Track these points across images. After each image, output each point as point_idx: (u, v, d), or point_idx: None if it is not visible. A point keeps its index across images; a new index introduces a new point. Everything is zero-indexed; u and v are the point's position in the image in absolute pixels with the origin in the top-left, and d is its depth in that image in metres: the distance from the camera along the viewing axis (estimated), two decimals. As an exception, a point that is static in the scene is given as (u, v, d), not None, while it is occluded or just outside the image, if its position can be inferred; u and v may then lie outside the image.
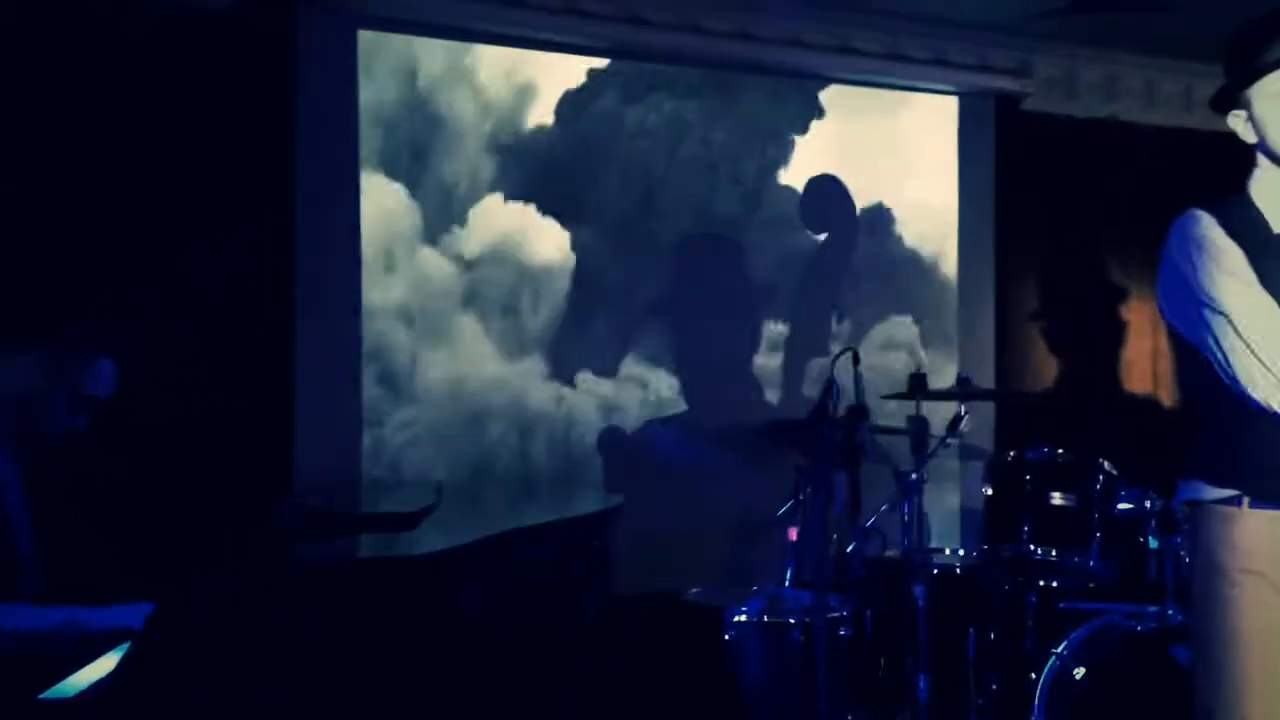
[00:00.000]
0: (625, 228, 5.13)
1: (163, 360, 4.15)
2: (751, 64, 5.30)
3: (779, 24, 5.23)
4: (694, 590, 4.05)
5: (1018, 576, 4.13)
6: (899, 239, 5.63)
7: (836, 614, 3.76)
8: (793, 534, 3.80)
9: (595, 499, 3.74)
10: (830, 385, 3.28)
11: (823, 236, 5.48)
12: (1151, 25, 5.40)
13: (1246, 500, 2.45)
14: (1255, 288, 2.39)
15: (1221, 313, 2.39)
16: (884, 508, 4.26)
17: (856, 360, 4.15)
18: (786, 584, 3.97)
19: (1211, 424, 2.53)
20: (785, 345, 5.38)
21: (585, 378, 5.04)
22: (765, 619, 3.77)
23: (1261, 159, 2.50)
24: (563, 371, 5.00)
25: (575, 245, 5.03)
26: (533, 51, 4.95)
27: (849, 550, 4.08)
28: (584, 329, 5.04)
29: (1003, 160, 5.74)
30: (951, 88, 5.67)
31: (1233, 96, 2.48)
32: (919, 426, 3.92)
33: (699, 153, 5.27)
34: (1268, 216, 2.46)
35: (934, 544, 4.88)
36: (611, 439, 5.01)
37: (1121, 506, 4.02)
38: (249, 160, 4.42)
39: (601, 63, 5.11)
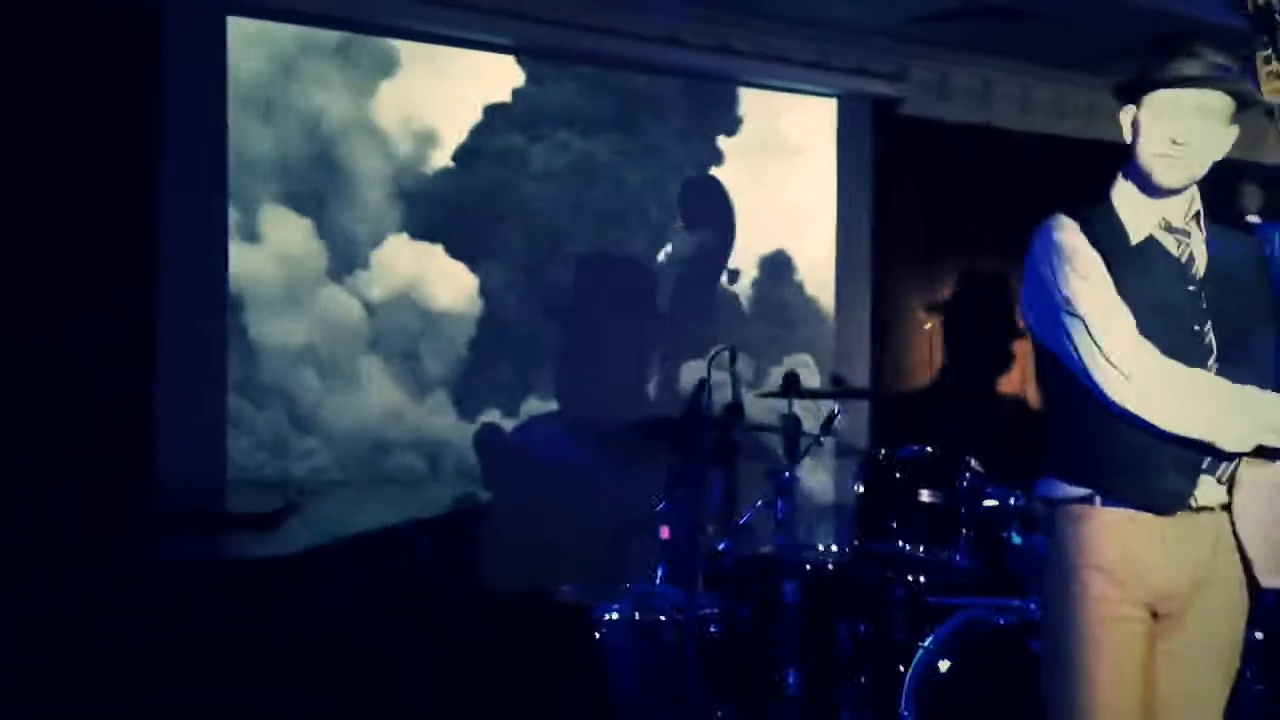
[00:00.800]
0: (529, 267, 5.16)
1: (21, 359, 4.02)
2: (630, 62, 5.31)
3: (659, 22, 5.25)
4: (565, 589, 4.04)
5: (887, 572, 4.20)
6: (778, 243, 5.69)
7: (707, 611, 3.78)
8: (664, 532, 3.81)
9: (461, 498, 3.69)
10: (702, 384, 3.29)
11: (699, 237, 5.50)
12: (1025, 34, 5.53)
13: (1098, 499, 2.51)
14: (1112, 292, 2.46)
15: (1078, 316, 2.45)
16: (758, 505, 4.29)
17: (733, 359, 4.18)
18: (658, 582, 3.98)
19: (1067, 424, 2.59)
20: (661, 344, 5.40)
21: (491, 415, 5.07)
22: (636, 617, 3.77)
23: (1126, 171, 2.57)
24: (466, 411, 5.02)
25: (480, 287, 5.05)
26: (435, 91, 4.95)
27: (720, 548, 4.11)
28: (487, 369, 5.05)
29: (880, 162, 5.83)
30: (831, 90, 5.74)
31: (1133, 93, 2.53)
32: (791, 425, 3.95)
33: (604, 190, 5.30)
34: (1127, 226, 2.53)
35: (810, 541, 4.95)
36: (487, 438, 4.97)
37: (987, 503, 4.10)
38: (111, 147, 4.29)
39: (504, 97, 5.12)
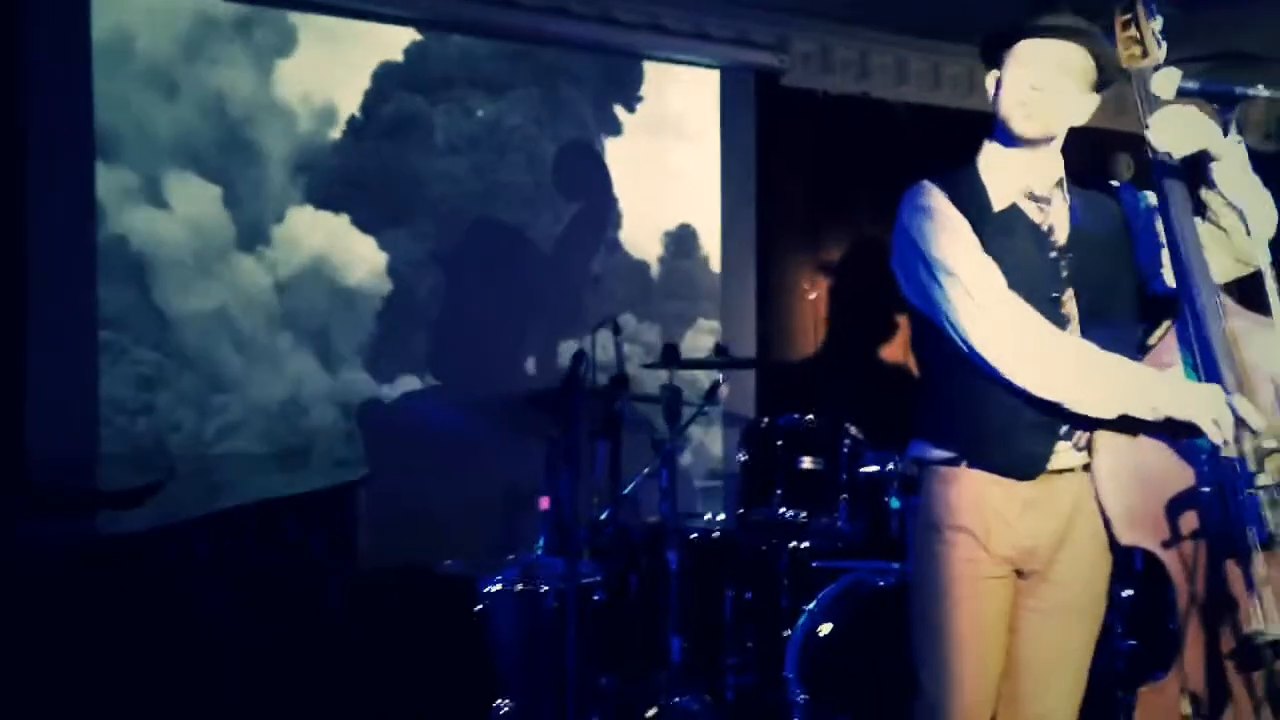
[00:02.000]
0: (427, 239, 5.12)
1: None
2: (509, 30, 5.24)
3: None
4: (448, 562, 4.02)
5: (771, 539, 4.26)
6: (663, 212, 5.70)
7: (589, 580, 3.79)
8: (544, 503, 3.80)
9: (340, 472, 3.65)
10: (580, 355, 3.29)
11: (576, 206, 5.49)
12: (902, 6, 5.60)
13: (965, 461, 2.57)
14: (980, 252, 2.50)
15: (951, 273, 2.49)
16: (642, 475, 4.31)
17: (616, 330, 4.20)
18: (539, 553, 3.98)
19: (937, 388, 2.64)
20: (544, 316, 5.38)
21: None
22: (518, 588, 3.77)
23: (992, 135, 2.60)
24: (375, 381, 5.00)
25: (385, 258, 5.01)
26: (333, 63, 4.89)
27: (603, 517, 4.11)
28: (395, 341, 5.02)
29: (763, 134, 5.86)
30: (713, 61, 5.75)
31: (998, 50, 2.56)
32: (672, 395, 3.97)
33: (495, 159, 5.27)
34: (990, 193, 2.57)
35: (698, 509, 4.99)
36: (369, 411, 4.91)
37: (866, 469, 4.17)
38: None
39: (399, 63, 5.06)
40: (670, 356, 4.00)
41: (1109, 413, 2.42)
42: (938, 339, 2.56)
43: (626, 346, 5.41)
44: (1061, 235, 2.57)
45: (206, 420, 4.66)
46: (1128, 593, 4.00)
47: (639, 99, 5.64)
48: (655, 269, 5.67)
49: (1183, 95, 2.39)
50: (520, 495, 4.44)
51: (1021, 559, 2.57)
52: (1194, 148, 2.39)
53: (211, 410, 4.67)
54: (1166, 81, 2.40)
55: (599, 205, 5.53)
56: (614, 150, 5.56)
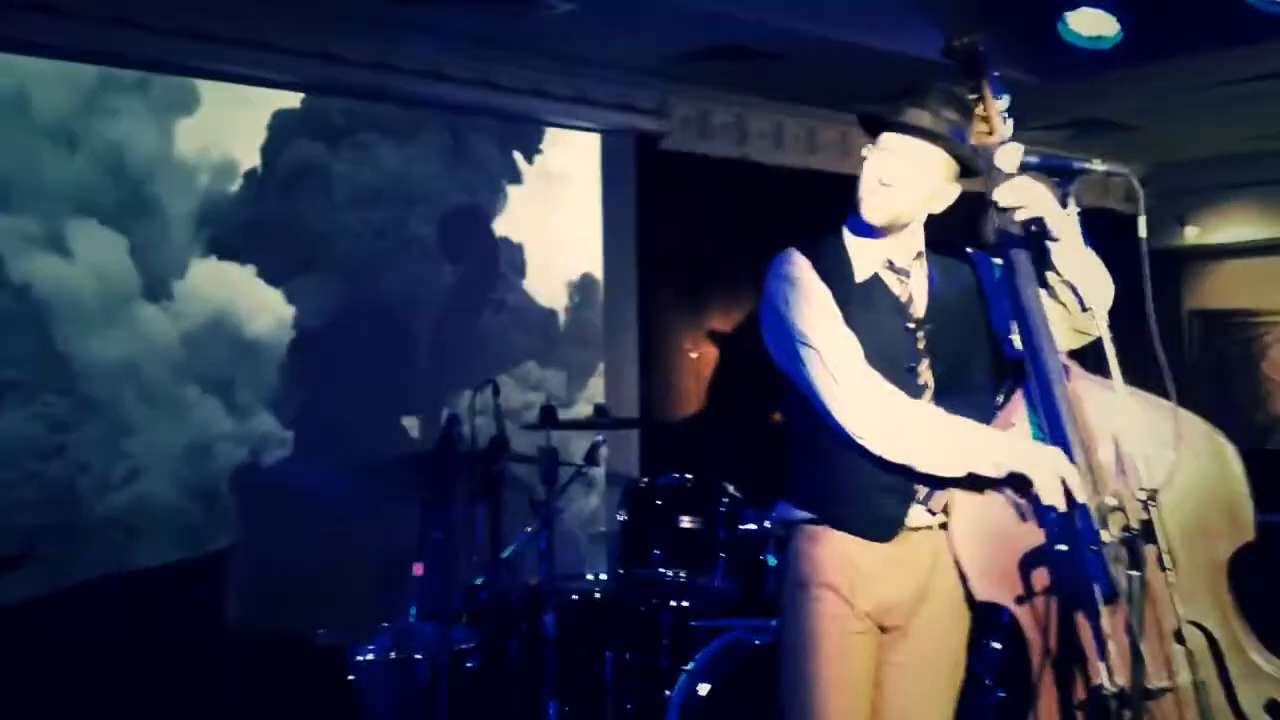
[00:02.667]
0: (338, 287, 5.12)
1: None
2: (391, 94, 5.27)
3: (421, 55, 5.23)
4: (321, 632, 3.95)
5: (651, 598, 4.27)
6: (567, 261, 5.76)
7: (463, 647, 3.76)
8: (418, 568, 3.77)
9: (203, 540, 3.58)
10: (454, 419, 3.29)
11: (460, 267, 5.51)
12: (778, 74, 5.76)
13: (826, 523, 2.64)
14: (841, 325, 2.58)
15: (811, 347, 2.57)
16: (522, 538, 4.30)
17: (496, 392, 4.20)
18: (412, 620, 3.93)
19: (801, 452, 2.72)
20: (427, 379, 5.36)
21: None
22: (391, 656, 3.72)
23: (852, 207, 2.66)
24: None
25: (292, 306, 5.02)
26: (240, 108, 4.92)
27: (480, 581, 4.08)
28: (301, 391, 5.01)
29: (643, 197, 5.95)
30: (593, 125, 5.84)
31: (871, 131, 2.63)
32: (549, 457, 3.99)
33: (389, 216, 5.31)
34: (854, 263, 2.66)
35: (579, 571, 4.98)
36: (241, 477, 4.82)
37: (745, 527, 4.23)
38: None
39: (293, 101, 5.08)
40: (548, 418, 4.02)
41: (958, 471, 2.51)
42: (801, 404, 2.64)
43: (531, 394, 5.45)
44: (920, 306, 2.67)
45: (114, 465, 4.56)
46: (997, 646, 4.10)
47: (539, 150, 5.75)
48: (561, 317, 5.73)
49: (1025, 169, 2.51)
50: (396, 560, 4.40)
51: (884, 614, 2.64)
52: (1032, 215, 2.50)
53: (119, 455, 4.58)
54: (1010, 156, 2.52)
55: (496, 259, 5.58)
56: (516, 199, 5.64)
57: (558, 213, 5.78)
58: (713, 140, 6.11)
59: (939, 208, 2.66)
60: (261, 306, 4.97)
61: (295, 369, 5.02)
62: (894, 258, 2.67)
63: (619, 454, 5.59)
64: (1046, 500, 2.38)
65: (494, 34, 5.20)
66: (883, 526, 2.61)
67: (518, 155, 5.71)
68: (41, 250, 4.52)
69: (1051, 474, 2.38)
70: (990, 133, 2.63)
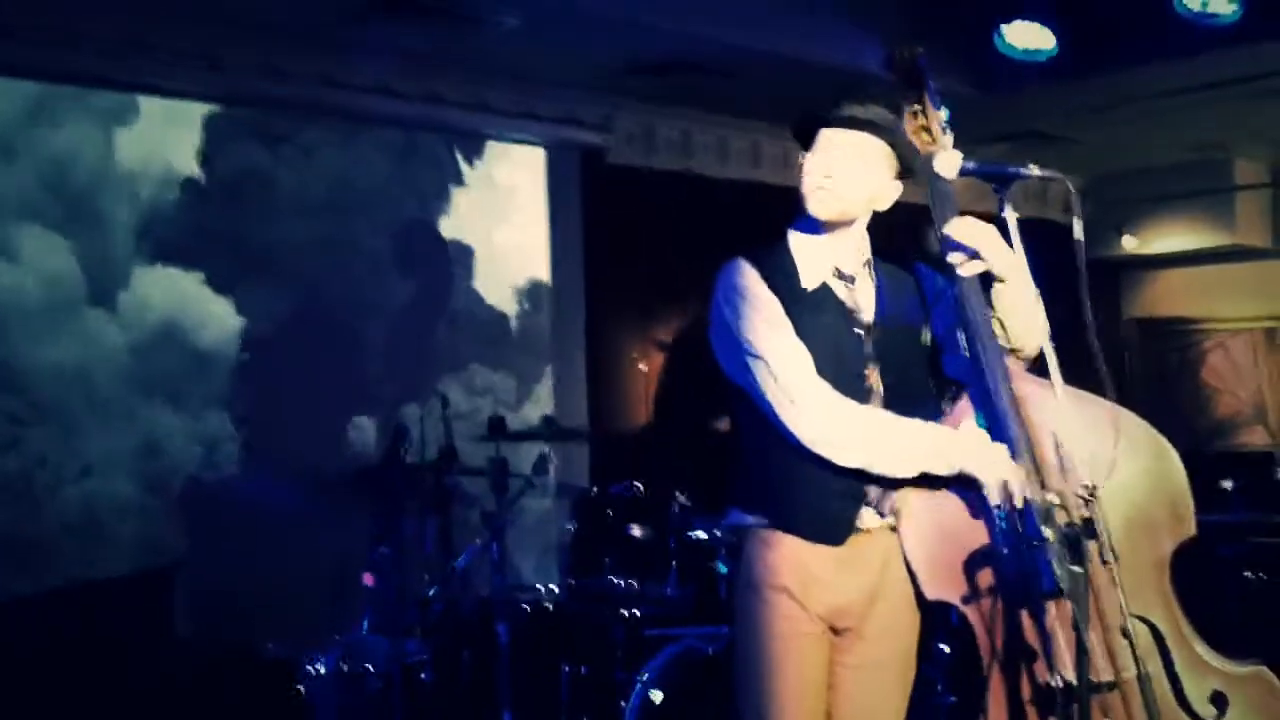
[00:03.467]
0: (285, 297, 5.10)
1: None
2: (338, 110, 5.26)
3: (366, 71, 5.23)
4: (270, 644, 3.91)
5: (603, 608, 4.28)
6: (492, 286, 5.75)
7: (417, 659, 3.74)
8: (368, 579, 3.75)
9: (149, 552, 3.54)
10: (400, 430, 3.28)
11: (413, 281, 5.50)
12: (723, 89, 5.81)
13: (777, 527, 2.66)
14: (790, 334, 2.60)
15: (760, 357, 2.59)
16: (472, 549, 4.28)
17: (445, 404, 4.20)
18: (364, 632, 3.91)
19: (751, 458, 2.73)
20: (376, 386, 5.35)
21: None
22: (342, 669, 3.70)
23: (799, 214, 2.69)
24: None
25: (241, 313, 5.00)
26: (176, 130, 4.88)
27: (432, 593, 4.07)
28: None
29: (590, 210, 5.97)
30: (538, 139, 5.85)
31: (805, 136, 2.65)
32: (498, 468, 3.99)
33: (334, 228, 5.30)
34: (801, 271, 2.68)
35: (534, 582, 4.96)
36: (189, 490, 4.77)
37: (695, 535, 4.25)
38: None
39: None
40: (497, 429, 4.02)
41: (910, 473, 2.55)
42: (749, 411, 2.65)
43: (480, 399, 5.44)
44: (868, 313, 2.69)
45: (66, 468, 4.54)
46: (946, 649, 4.14)
47: (485, 162, 5.77)
48: (510, 323, 5.76)
49: (964, 174, 2.55)
50: (347, 572, 4.37)
51: (836, 616, 2.66)
52: (979, 269, 2.55)
53: (72, 458, 4.56)
54: (949, 163, 2.56)
55: (445, 265, 5.58)
56: (466, 203, 5.66)
57: (504, 223, 5.78)
58: (658, 154, 6.15)
59: (883, 205, 2.69)
60: (209, 314, 4.94)
61: (244, 377, 4.99)
62: (841, 265, 2.69)
63: (569, 464, 5.60)
64: (992, 499, 2.42)
65: (440, 49, 5.20)
66: (834, 529, 2.63)
67: (465, 164, 5.70)
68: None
69: (997, 472, 2.42)
70: (932, 142, 2.67)
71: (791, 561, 2.63)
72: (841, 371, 2.61)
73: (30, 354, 4.53)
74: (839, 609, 2.65)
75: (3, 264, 4.51)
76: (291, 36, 4.93)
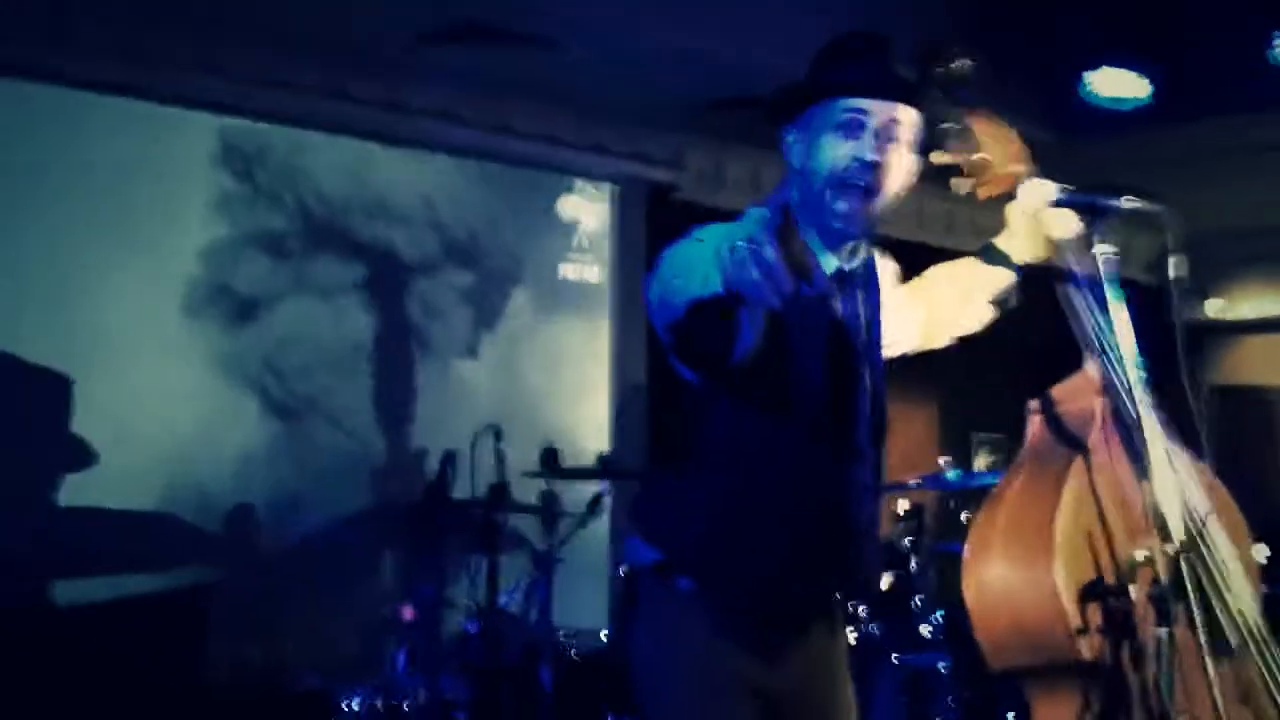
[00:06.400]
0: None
1: None
2: (403, 138, 5.20)
3: (434, 96, 5.16)
4: (307, 675, 3.78)
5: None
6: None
7: (450, 698, 3.59)
8: (408, 613, 3.60)
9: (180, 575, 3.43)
10: (449, 459, 3.15)
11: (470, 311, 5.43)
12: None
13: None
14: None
15: None
16: (516, 588, 4.14)
17: (498, 437, 4.07)
18: (401, 668, 3.75)
19: (686, 478, 2.24)
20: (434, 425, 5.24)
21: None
22: (378, 705, 3.56)
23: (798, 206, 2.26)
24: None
25: None
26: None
27: (472, 631, 3.88)
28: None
29: (655, 246, 5.84)
30: (608, 174, 5.76)
31: (794, 113, 2.25)
32: (547, 504, 3.84)
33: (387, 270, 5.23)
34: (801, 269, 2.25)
35: (586, 625, 4.78)
36: (239, 515, 4.67)
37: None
38: None
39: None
40: (550, 463, 3.87)
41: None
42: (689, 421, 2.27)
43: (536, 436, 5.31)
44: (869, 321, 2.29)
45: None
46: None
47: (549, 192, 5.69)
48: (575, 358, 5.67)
49: (1056, 205, 2.37)
50: (387, 604, 4.24)
51: (764, 690, 2.17)
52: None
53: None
54: (1040, 191, 2.37)
55: (507, 297, 5.49)
56: (531, 235, 5.61)
57: (567, 259, 5.69)
58: (727, 191, 6.03)
59: (906, 182, 2.19)
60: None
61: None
62: (844, 263, 2.23)
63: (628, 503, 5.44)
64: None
65: (507, 78, 5.12)
66: (761, 591, 2.15)
67: (532, 196, 5.64)
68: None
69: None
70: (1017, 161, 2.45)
71: (718, 622, 2.13)
72: (840, 376, 2.18)
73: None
74: (767, 684, 2.16)
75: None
76: (360, 59, 4.87)
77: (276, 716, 3.70)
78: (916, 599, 4.21)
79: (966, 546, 2.39)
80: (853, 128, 2.13)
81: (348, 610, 4.46)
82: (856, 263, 2.26)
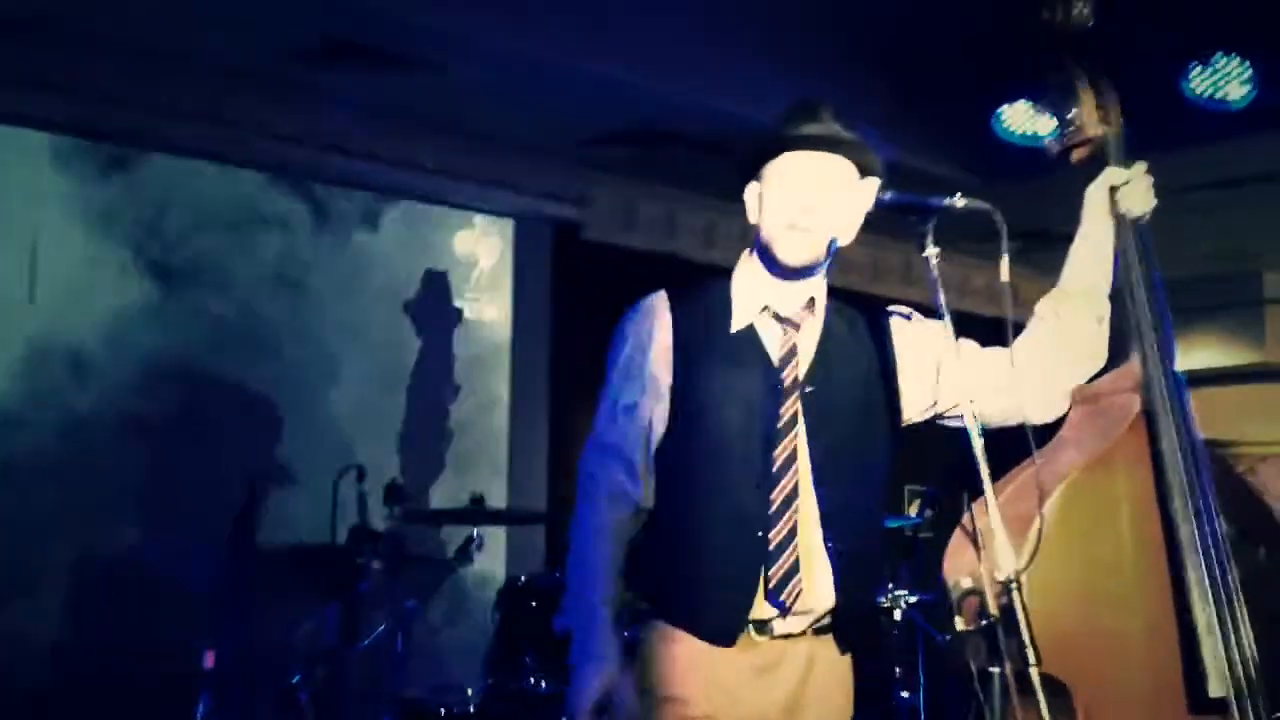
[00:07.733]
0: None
1: None
2: (306, 170, 5.03)
3: (334, 130, 4.96)
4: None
5: (522, 715, 3.83)
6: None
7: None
8: (209, 659, 3.31)
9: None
10: (252, 488, 2.91)
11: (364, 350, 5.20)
12: (707, 166, 5.49)
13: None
14: (639, 394, 2.28)
15: (600, 399, 2.35)
16: (372, 637, 3.87)
17: (361, 477, 3.85)
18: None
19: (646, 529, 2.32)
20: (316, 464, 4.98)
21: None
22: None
23: (751, 250, 2.35)
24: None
25: None
26: None
27: (295, 681, 3.59)
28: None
29: (559, 286, 5.67)
30: (508, 210, 5.58)
31: (757, 168, 2.30)
32: (392, 547, 3.60)
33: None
34: (735, 312, 2.29)
35: (454, 680, 4.52)
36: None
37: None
38: None
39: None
40: (396, 498, 3.62)
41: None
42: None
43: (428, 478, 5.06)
44: (803, 365, 2.28)
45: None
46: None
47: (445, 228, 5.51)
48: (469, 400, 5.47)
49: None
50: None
51: None
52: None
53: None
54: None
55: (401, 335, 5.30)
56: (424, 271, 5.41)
57: (465, 296, 5.48)
58: (639, 233, 5.86)
59: (844, 233, 2.30)
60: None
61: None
62: (780, 305, 2.28)
63: (524, 550, 5.20)
64: None
65: (397, 105, 4.92)
66: (723, 627, 2.20)
67: (427, 231, 5.45)
68: None
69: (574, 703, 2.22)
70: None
71: (691, 664, 2.20)
72: (749, 439, 2.21)
73: None
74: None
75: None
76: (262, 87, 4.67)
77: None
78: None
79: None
80: (789, 177, 2.25)
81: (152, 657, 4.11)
82: (798, 304, 2.30)
